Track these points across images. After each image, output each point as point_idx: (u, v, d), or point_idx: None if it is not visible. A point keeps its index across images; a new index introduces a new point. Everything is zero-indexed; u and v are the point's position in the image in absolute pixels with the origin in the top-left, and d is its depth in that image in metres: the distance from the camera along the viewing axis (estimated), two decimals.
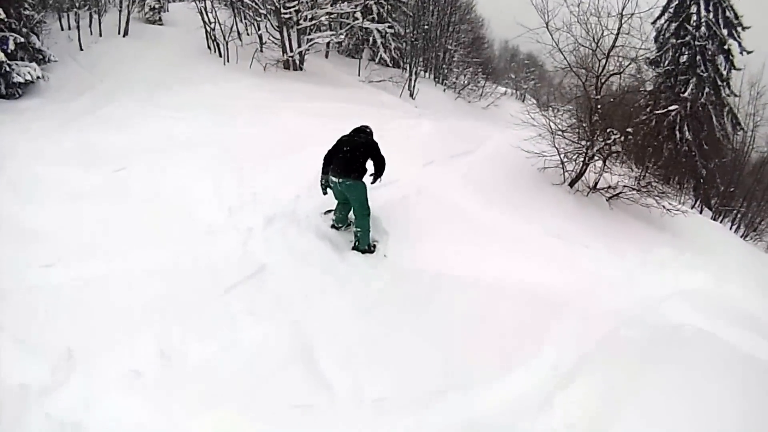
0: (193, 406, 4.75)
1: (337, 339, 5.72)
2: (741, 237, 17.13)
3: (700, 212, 18.27)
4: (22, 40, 14.63)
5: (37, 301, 5.73)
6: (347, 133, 7.42)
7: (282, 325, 5.84)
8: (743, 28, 23.13)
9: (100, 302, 5.82)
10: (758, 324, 7.52)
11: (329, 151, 7.29)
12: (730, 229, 17.66)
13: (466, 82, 30.76)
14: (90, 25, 20.84)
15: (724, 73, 23.05)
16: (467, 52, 32.71)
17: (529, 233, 8.29)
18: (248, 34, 22.48)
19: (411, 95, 24.61)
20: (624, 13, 10.23)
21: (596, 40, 10.36)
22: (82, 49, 18.96)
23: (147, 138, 10.45)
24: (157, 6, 25.55)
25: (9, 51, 14.04)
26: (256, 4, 20.31)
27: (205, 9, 20.44)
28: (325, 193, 7.49)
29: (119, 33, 21.53)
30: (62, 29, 20.29)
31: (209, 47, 20.80)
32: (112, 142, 10.11)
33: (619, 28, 10.29)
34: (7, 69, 13.83)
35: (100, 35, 20.78)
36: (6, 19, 13.99)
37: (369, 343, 5.69)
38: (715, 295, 8.05)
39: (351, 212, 7.46)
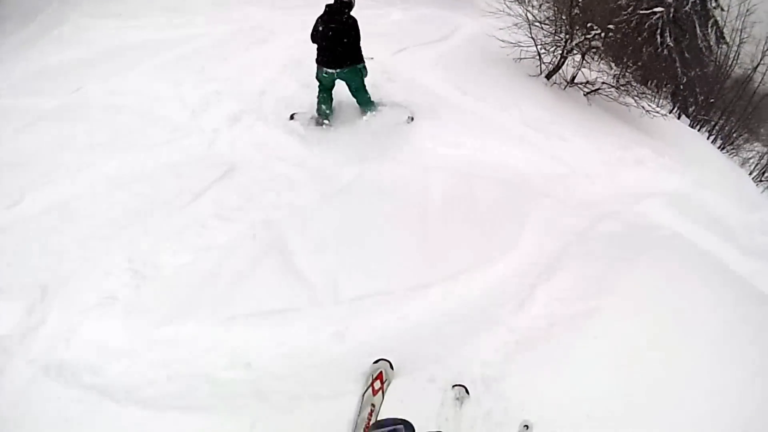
0: (170, 318, 4.70)
1: (310, 234, 5.65)
2: (718, 148, 17.14)
3: (678, 118, 18.18)
4: None
5: (5, 244, 5.50)
6: (324, 13, 6.81)
7: (254, 225, 5.76)
8: None
9: (67, 228, 5.65)
10: (733, 234, 7.77)
11: (312, 36, 6.95)
12: (707, 139, 17.62)
13: None
14: None
15: None
16: None
17: (505, 121, 8.15)
18: None
19: None
20: None
21: None
22: None
23: (102, 51, 9.89)
24: None
25: None
26: None
27: None
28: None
29: None
30: None
31: None
32: (65, 63, 9.56)
33: None
34: None
35: None
36: None
37: (344, 237, 5.63)
38: (693, 200, 8.13)
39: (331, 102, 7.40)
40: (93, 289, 4.94)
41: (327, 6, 6.70)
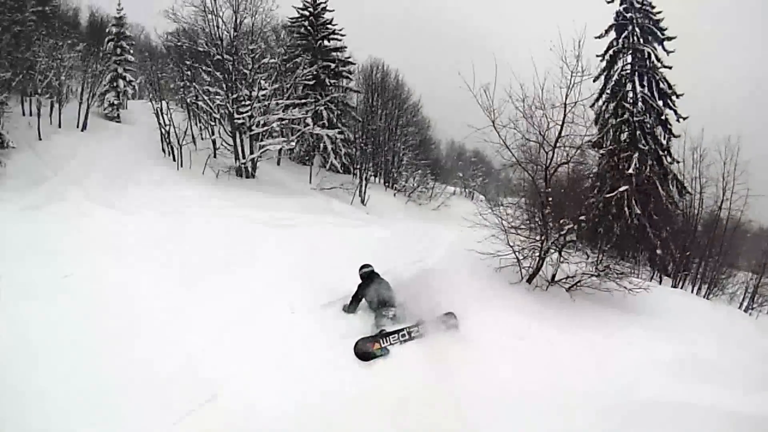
0: None
1: None
2: (704, 295, 17.37)
3: (660, 282, 18.51)
4: None
5: None
6: (369, 272, 8.66)
7: None
8: (677, 96, 24.19)
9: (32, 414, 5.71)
10: (730, 378, 7.79)
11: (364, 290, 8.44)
12: (692, 291, 17.90)
13: (415, 184, 32.07)
14: (50, 114, 21.28)
15: (665, 142, 23.93)
16: (415, 154, 34.02)
17: (496, 337, 8.13)
18: (202, 139, 22.89)
19: (362, 201, 25.33)
20: (567, 102, 10.53)
21: (542, 133, 10.57)
22: (40, 139, 19.24)
23: (97, 241, 10.34)
24: (116, 102, 26.25)
25: None
26: (210, 108, 20.67)
27: (161, 110, 20.88)
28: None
29: (78, 126, 22.04)
30: (23, 114, 20.72)
31: (163, 150, 21.17)
32: (61, 241, 10.04)
33: (563, 118, 10.57)
34: None
35: (60, 126, 21.22)
36: None
37: None
38: (685, 361, 8.18)
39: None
40: None
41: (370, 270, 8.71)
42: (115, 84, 27.02)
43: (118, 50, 28.07)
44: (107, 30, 29.40)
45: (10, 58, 21.49)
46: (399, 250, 11.04)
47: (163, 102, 22.11)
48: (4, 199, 12.82)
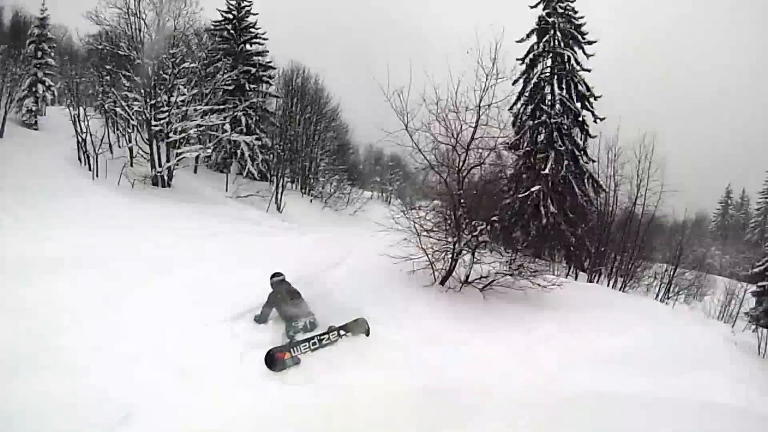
0: None
1: None
2: (620, 288, 18.12)
3: (575, 278, 19.22)
4: None
5: None
6: (280, 280, 8.59)
7: None
8: (595, 98, 25.05)
9: None
10: (652, 366, 8.16)
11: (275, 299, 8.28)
12: (608, 285, 18.62)
13: (332, 190, 32.35)
14: None
15: (581, 143, 24.72)
16: (333, 160, 34.26)
17: (405, 342, 8.18)
18: (119, 147, 22.23)
19: (278, 208, 25.42)
20: (482, 105, 10.78)
21: (455, 136, 10.77)
22: None
23: (12, 252, 9.91)
24: (34, 108, 24.93)
25: None
26: (128, 114, 20.25)
27: (78, 117, 20.15)
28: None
29: None
30: None
31: (80, 158, 20.30)
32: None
33: (477, 121, 10.81)
34: None
35: None
36: None
37: None
38: (604, 352, 8.49)
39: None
40: None
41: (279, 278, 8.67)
42: (34, 89, 25.54)
43: (39, 53, 26.44)
44: (29, 32, 27.68)
45: None
46: (313, 257, 11.06)
47: (81, 108, 21.16)
48: None
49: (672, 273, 20.68)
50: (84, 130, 20.28)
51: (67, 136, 21.00)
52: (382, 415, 6.51)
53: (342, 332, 7.85)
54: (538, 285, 10.52)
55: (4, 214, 12.41)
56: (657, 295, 19.48)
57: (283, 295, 8.31)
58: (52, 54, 27.37)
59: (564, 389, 7.31)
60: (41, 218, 12.78)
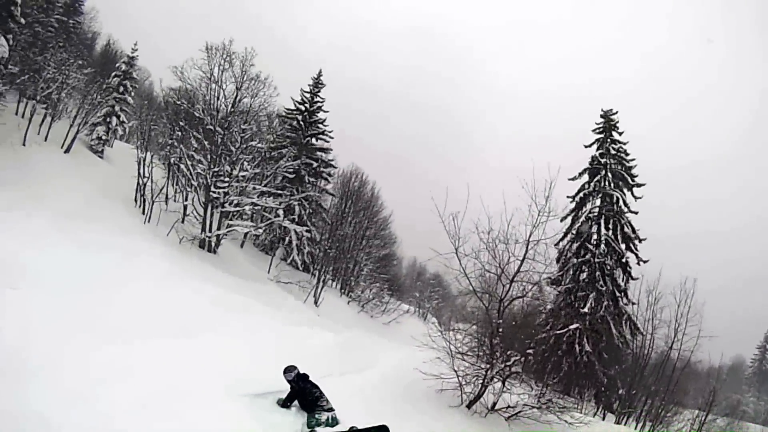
0: None
1: None
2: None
3: (603, 418, 18.64)
4: None
5: None
6: (304, 376, 8.52)
7: None
8: (640, 241, 25.06)
9: None
10: None
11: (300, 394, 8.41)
12: (636, 427, 17.96)
13: (371, 296, 32.27)
14: (41, 124, 21.49)
15: (622, 284, 24.51)
16: (376, 267, 34.45)
17: None
18: (175, 201, 22.99)
19: (315, 302, 25.32)
20: (531, 239, 11.03)
21: (502, 266, 11.02)
22: (24, 144, 19.45)
23: (47, 269, 10.15)
24: (104, 138, 26.39)
25: None
26: (191, 174, 21.13)
27: (144, 161, 21.14)
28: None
29: (62, 146, 22.20)
30: (16, 113, 21.27)
31: (136, 200, 21.27)
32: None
33: (524, 255, 11.04)
34: None
35: (46, 139, 21.42)
36: None
37: None
38: None
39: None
40: None
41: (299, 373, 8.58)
42: (108, 119, 27.10)
43: (121, 88, 28.17)
44: (117, 65, 29.73)
45: (23, 55, 21.97)
46: (344, 356, 11.22)
47: (148, 153, 22.34)
48: None
49: (703, 419, 19.80)
50: (146, 174, 21.22)
51: (128, 173, 21.81)
52: None
53: None
54: (565, 421, 10.36)
55: (56, 234, 12.84)
56: None
57: (306, 389, 8.44)
58: (132, 93, 29.02)
59: None
60: (91, 242, 13.18)
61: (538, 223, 11.13)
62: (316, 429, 7.94)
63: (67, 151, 22.52)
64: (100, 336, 8.47)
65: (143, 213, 20.46)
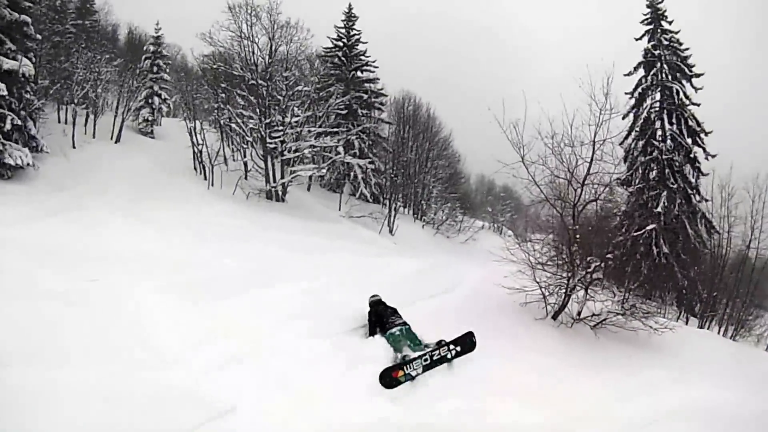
0: None
1: None
2: (731, 337, 17.01)
3: (686, 322, 18.23)
4: (19, 122, 15.11)
5: None
6: (378, 301, 8.90)
7: None
8: (706, 134, 24.12)
9: (38, 415, 5.55)
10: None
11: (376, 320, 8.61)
12: (719, 332, 17.54)
13: (444, 217, 32.10)
14: (86, 124, 22.00)
15: (693, 181, 23.78)
16: (445, 188, 34.33)
17: (517, 375, 8.08)
18: (234, 160, 23.26)
19: (390, 231, 25.59)
20: (596, 140, 10.59)
21: (571, 170, 10.65)
22: (74, 147, 19.85)
23: (120, 250, 10.53)
24: (150, 118, 27.09)
25: (5, 130, 14.49)
26: (243, 131, 21.25)
27: (195, 130, 21.41)
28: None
29: (112, 138, 22.88)
30: (59, 122, 21.44)
31: (195, 168, 21.73)
32: (86, 247, 10.28)
33: (592, 156, 10.62)
34: (0, 148, 14.27)
35: (94, 136, 21.96)
36: (7, 97, 14.49)
37: None
38: (707, 409, 7.85)
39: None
40: None
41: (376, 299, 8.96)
42: (150, 101, 27.79)
43: (155, 68, 28.92)
44: (144, 48, 30.35)
45: (49, 67, 22.61)
46: (426, 280, 11.16)
47: (197, 122, 22.61)
48: (34, 200, 13.33)
49: None
50: (200, 141, 21.52)
51: (182, 146, 22.29)
52: None
53: (452, 347, 7.93)
54: (650, 327, 10.03)
55: (123, 213, 13.43)
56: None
57: (382, 314, 8.58)
58: (167, 69, 29.66)
59: None
60: (159, 219, 13.72)
61: (601, 121, 10.64)
62: (402, 349, 7.96)
63: (117, 141, 23.12)
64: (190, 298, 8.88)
65: (205, 179, 20.86)
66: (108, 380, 6.32)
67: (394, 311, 8.62)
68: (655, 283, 12.02)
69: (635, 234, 12.95)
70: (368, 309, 8.86)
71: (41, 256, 9.58)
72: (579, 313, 10.28)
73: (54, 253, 9.80)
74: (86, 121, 22.55)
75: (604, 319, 10.18)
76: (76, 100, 22.20)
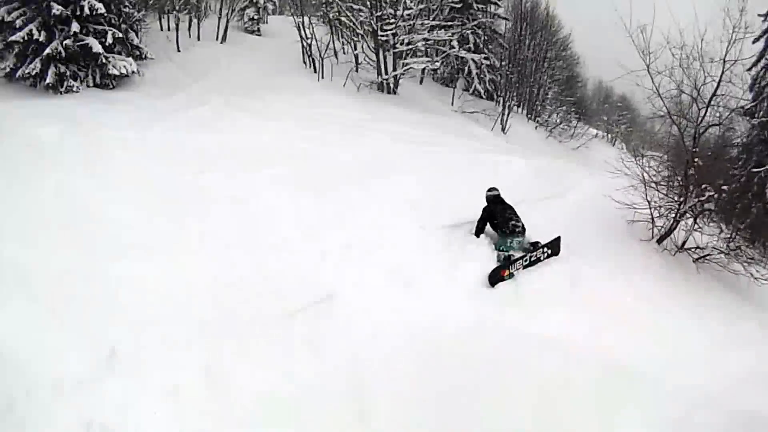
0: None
1: (392, 389, 5.65)
2: None
3: None
4: (120, 35, 15.35)
5: (95, 291, 5.94)
6: (496, 197, 8.61)
7: (339, 365, 5.75)
8: None
9: (156, 303, 6.01)
10: None
11: (490, 213, 8.43)
12: None
13: (558, 120, 30.76)
14: (189, 29, 21.90)
15: None
16: (561, 90, 32.82)
17: (614, 294, 7.80)
18: (344, 53, 22.91)
19: (503, 129, 24.69)
20: (727, 59, 9.58)
21: (697, 87, 9.75)
22: (179, 51, 19.94)
23: (235, 144, 10.76)
24: (256, 17, 26.73)
25: (107, 44, 14.74)
26: (354, 24, 20.68)
27: (303, 24, 20.97)
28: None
29: (217, 39, 22.57)
30: (161, 29, 21.43)
31: (305, 62, 21.40)
32: (199, 143, 10.53)
33: (720, 75, 9.66)
34: (104, 61, 14.59)
35: (198, 39, 21.82)
36: (106, 14, 14.68)
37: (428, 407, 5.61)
38: None
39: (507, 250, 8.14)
40: (162, 373, 5.20)
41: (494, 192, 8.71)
42: (255, 0, 27.19)
43: None
44: None
45: None
46: (538, 183, 10.83)
47: (305, 17, 21.94)
48: (142, 105, 13.44)
49: None
50: (308, 35, 21.07)
51: (290, 41, 21.91)
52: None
53: (546, 249, 8.12)
54: (751, 274, 9.15)
55: (234, 108, 13.44)
56: None
57: (498, 210, 8.37)
58: None
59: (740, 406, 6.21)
60: (269, 110, 13.83)
61: (733, 39, 9.54)
62: (512, 254, 7.99)
63: (222, 41, 22.76)
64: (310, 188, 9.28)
65: (315, 72, 20.52)
66: (228, 269, 6.93)
67: (513, 212, 8.42)
68: (761, 230, 10.89)
69: (754, 170, 11.74)
70: (484, 204, 8.63)
71: (165, 155, 9.92)
72: (684, 243, 9.60)
73: (175, 152, 10.11)
74: (189, 26, 22.34)
75: (708, 255, 9.45)
76: (177, 7, 21.93)
